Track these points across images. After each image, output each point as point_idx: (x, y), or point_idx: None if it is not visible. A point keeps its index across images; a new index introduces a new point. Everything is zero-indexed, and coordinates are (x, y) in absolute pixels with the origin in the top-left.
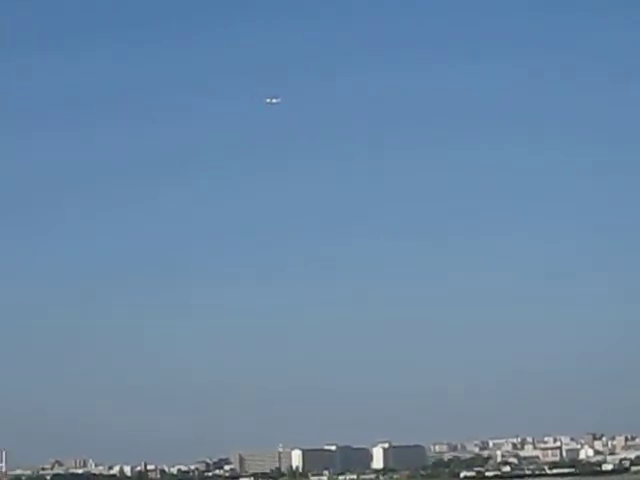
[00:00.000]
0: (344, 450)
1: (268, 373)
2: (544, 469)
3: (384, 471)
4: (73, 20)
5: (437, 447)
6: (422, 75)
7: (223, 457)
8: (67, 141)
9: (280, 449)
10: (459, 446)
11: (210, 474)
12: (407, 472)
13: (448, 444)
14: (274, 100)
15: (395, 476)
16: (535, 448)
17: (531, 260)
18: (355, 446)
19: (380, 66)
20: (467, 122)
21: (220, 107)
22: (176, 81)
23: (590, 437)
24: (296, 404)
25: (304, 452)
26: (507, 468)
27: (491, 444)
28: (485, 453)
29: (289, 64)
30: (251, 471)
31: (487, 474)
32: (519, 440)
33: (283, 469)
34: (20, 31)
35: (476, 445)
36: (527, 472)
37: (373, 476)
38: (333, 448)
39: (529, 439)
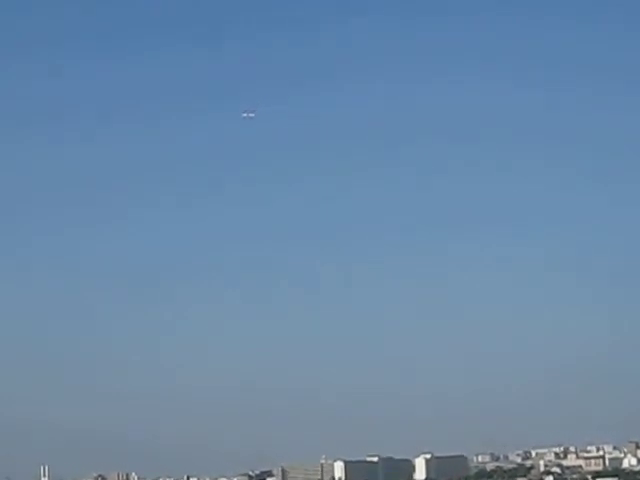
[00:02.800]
0: (386, 461)
1: (310, 385)
2: (587, 478)
3: None
4: (60, 28)
5: (480, 457)
6: (419, 86)
7: (266, 469)
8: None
9: (323, 461)
10: (502, 456)
11: None
12: None
13: (491, 454)
14: (250, 114)
15: None
16: (578, 457)
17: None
18: (397, 457)
19: (375, 78)
20: (467, 130)
21: (205, 121)
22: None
23: (633, 445)
24: (339, 416)
25: (347, 463)
26: (550, 478)
27: (534, 454)
28: (528, 463)
29: (281, 78)
30: None
31: None
32: (562, 449)
33: None
34: (18, 35)
35: (519, 455)
36: None
37: None
38: (375, 459)
39: (572, 448)
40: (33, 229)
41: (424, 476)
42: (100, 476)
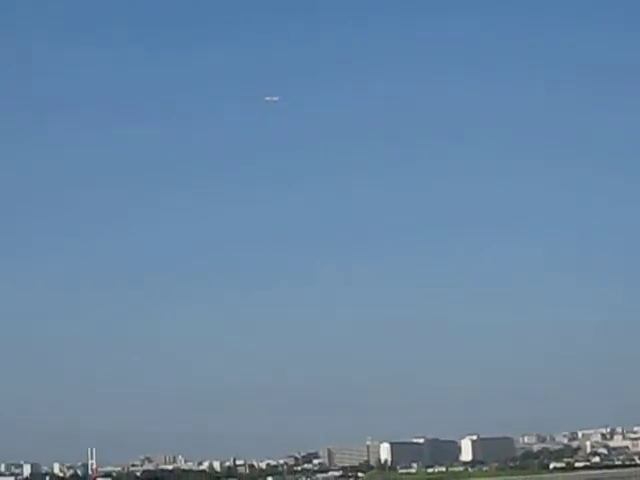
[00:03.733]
0: (432, 443)
1: (356, 367)
2: (634, 459)
3: (473, 463)
4: (74, 17)
5: (526, 438)
6: (419, 86)
7: (312, 451)
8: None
9: (369, 442)
10: (548, 437)
11: (299, 468)
12: (496, 464)
13: (537, 435)
14: (274, 99)
15: (484, 468)
16: (625, 438)
17: None
18: (443, 439)
19: (375, 77)
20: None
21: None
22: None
23: None
24: (384, 397)
25: (392, 445)
26: (596, 459)
27: (580, 435)
28: (574, 444)
29: (287, 72)
30: (340, 465)
31: (576, 465)
32: (608, 430)
33: (372, 462)
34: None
35: (565, 436)
36: (617, 462)
37: (462, 468)
38: (421, 441)
39: (618, 429)
40: (32, 228)
41: (470, 457)
42: (147, 458)
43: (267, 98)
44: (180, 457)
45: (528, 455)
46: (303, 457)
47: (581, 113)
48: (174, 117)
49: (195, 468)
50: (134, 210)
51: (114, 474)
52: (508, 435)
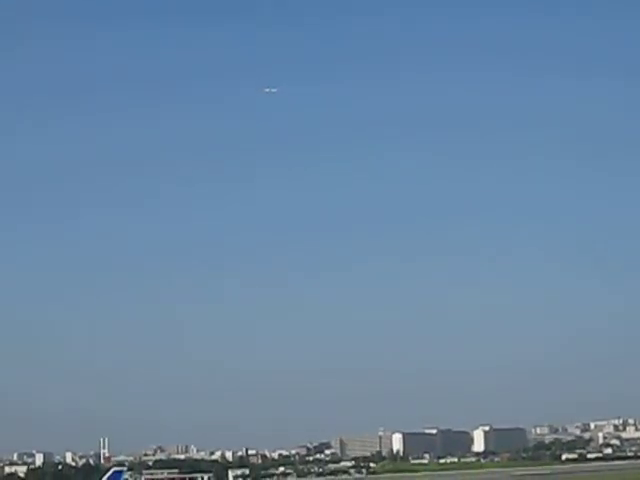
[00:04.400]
0: (445, 433)
1: (368, 357)
2: None
3: (485, 454)
4: (76, 6)
5: (538, 429)
6: (419, 80)
7: (324, 441)
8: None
9: (381, 433)
10: (560, 428)
11: (311, 458)
12: (508, 455)
13: (549, 426)
14: (272, 90)
15: (496, 459)
16: (637, 429)
17: None
18: (456, 429)
19: (376, 72)
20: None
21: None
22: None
23: None
24: (396, 388)
25: (405, 436)
26: (609, 450)
27: (593, 426)
28: (587, 435)
29: (280, 70)
30: (352, 455)
31: (589, 456)
32: (621, 422)
33: (384, 453)
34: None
35: (577, 427)
36: (629, 454)
37: (474, 459)
38: (434, 431)
39: (631, 420)
40: (27, 217)
41: (482, 448)
42: (159, 448)
43: (267, 89)
44: (192, 447)
45: (540, 446)
46: (315, 447)
47: (582, 112)
48: (173, 107)
49: (207, 458)
50: (134, 199)
51: (126, 463)
52: (520, 426)
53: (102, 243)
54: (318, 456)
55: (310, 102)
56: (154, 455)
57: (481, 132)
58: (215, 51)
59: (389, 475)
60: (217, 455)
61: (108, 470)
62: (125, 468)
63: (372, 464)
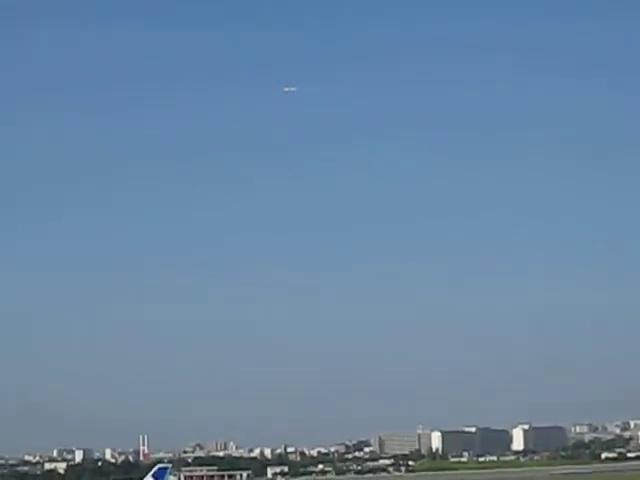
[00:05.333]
0: (484, 432)
1: (407, 356)
2: None
3: (524, 453)
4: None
5: (577, 428)
6: (417, 80)
7: (363, 439)
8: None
9: (420, 431)
10: (600, 427)
11: (350, 456)
12: (547, 453)
13: (589, 425)
14: (292, 89)
15: (535, 457)
16: None
17: None
18: (495, 428)
19: (376, 71)
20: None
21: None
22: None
23: None
24: (436, 386)
25: (444, 434)
26: None
27: (632, 425)
28: (626, 434)
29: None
30: (391, 453)
31: (629, 455)
32: None
33: (423, 451)
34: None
35: (617, 426)
36: None
37: (513, 458)
38: (473, 430)
39: None
40: (27, 216)
41: (522, 447)
42: (198, 445)
43: (286, 89)
44: (231, 444)
45: (580, 445)
46: (354, 445)
47: (582, 112)
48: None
49: (246, 455)
50: (137, 198)
51: (165, 460)
52: (560, 425)
53: (102, 243)
54: (357, 454)
55: (310, 102)
56: (193, 452)
57: (481, 132)
58: (215, 51)
59: (428, 473)
60: (256, 452)
61: (149, 467)
62: (170, 465)
63: (411, 462)
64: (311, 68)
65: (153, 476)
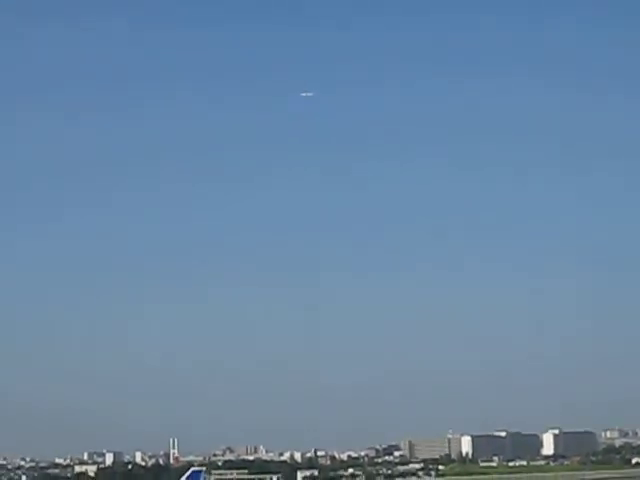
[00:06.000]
0: (514, 436)
1: (438, 359)
2: None
3: (554, 457)
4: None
5: (608, 433)
6: (419, 85)
7: (393, 443)
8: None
9: (450, 435)
10: (630, 432)
11: (380, 460)
12: (578, 458)
13: (619, 430)
14: (309, 94)
15: (566, 462)
16: None
17: None
18: (525, 432)
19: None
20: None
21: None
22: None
23: None
24: (465, 390)
25: (474, 438)
26: None
27: None
28: None
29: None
30: (421, 457)
31: None
32: None
33: (453, 455)
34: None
35: None
36: None
37: (543, 462)
38: (503, 434)
39: None
40: (27, 216)
41: (552, 451)
42: (228, 448)
43: (303, 94)
44: (261, 447)
45: (610, 450)
46: (384, 449)
47: (581, 113)
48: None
49: (276, 458)
50: (134, 200)
51: (195, 463)
52: (590, 430)
53: (102, 243)
54: (387, 458)
55: (311, 102)
56: (223, 455)
57: (483, 136)
58: (215, 51)
59: (458, 477)
60: (286, 456)
61: (179, 470)
62: (204, 469)
63: (441, 466)
64: (312, 69)
65: (187, 479)
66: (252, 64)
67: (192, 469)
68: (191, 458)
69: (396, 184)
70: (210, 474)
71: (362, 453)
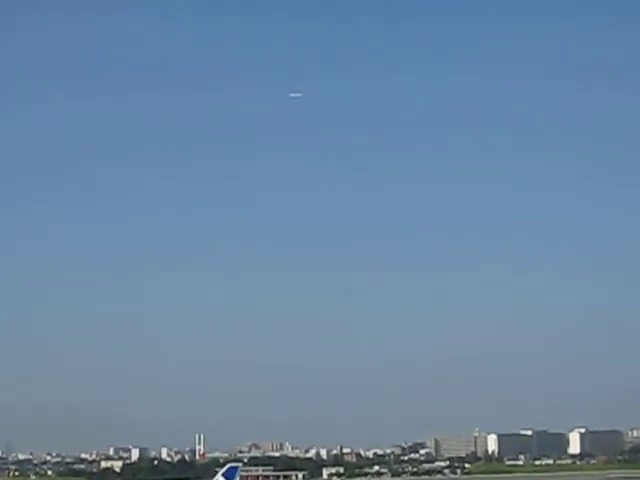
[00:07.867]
0: (540, 435)
1: (466, 358)
2: None
3: (581, 456)
4: None
5: (635, 432)
6: (420, 84)
7: (419, 441)
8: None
9: (476, 434)
10: None
11: (406, 458)
12: (604, 457)
13: None
14: (298, 94)
15: (592, 461)
16: None
17: None
18: (551, 431)
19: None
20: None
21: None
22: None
23: None
24: (492, 388)
25: (500, 437)
26: None
27: None
28: None
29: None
30: (447, 455)
31: None
32: None
33: (479, 453)
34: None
35: None
36: None
37: (570, 461)
38: (529, 433)
39: None
40: (27, 216)
41: (578, 450)
42: (254, 445)
43: (292, 94)
44: (287, 444)
45: (637, 449)
46: (410, 447)
47: (579, 113)
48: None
49: (302, 455)
50: (132, 194)
51: (221, 460)
52: (617, 429)
53: (102, 242)
54: (413, 455)
55: (311, 102)
56: (249, 452)
57: (483, 136)
58: (215, 50)
59: (484, 476)
60: (312, 453)
61: (205, 466)
62: (240, 464)
63: (467, 464)
64: (313, 68)
65: (223, 475)
66: (249, 61)
67: (229, 465)
68: (217, 454)
69: (396, 185)
70: None
71: (388, 450)
